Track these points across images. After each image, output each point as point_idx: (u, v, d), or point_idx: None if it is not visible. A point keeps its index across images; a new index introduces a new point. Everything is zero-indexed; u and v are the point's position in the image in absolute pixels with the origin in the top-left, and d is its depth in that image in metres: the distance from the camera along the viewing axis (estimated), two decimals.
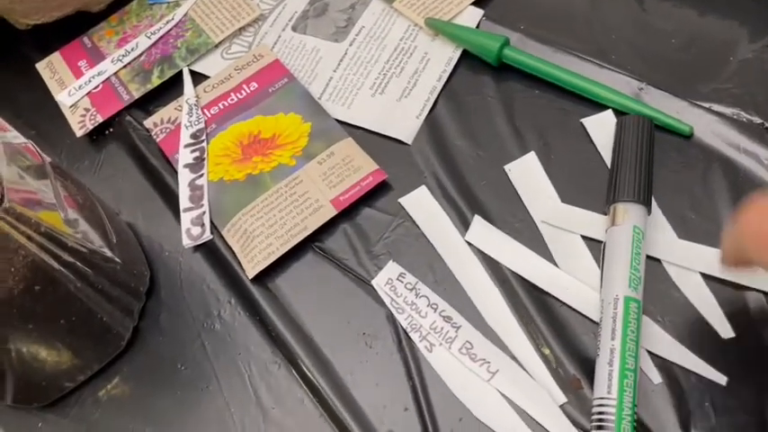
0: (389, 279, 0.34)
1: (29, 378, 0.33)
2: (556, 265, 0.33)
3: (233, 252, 0.36)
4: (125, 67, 0.44)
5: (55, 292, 0.29)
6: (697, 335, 0.31)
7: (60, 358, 0.33)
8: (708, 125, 0.35)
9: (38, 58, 0.47)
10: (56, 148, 0.43)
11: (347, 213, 0.37)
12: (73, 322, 0.31)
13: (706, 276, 0.32)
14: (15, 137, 0.31)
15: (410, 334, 0.33)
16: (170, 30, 0.46)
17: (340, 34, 0.43)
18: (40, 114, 0.45)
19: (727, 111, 0.35)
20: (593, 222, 0.34)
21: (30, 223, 0.27)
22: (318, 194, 0.37)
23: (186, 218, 0.38)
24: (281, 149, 0.39)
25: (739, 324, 0.30)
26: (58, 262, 0.29)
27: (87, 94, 0.44)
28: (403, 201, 0.36)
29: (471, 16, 0.41)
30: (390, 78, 0.41)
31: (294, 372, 0.33)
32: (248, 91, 0.42)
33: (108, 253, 0.33)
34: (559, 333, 0.31)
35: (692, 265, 0.32)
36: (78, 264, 0.30)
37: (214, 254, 0.37)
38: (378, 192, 0.37)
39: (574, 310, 0.32)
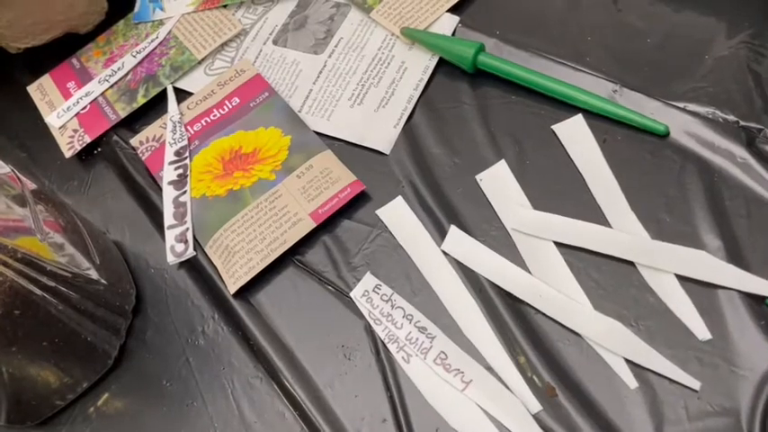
0: (366, 291, 0.35)
1: (20, 398, 0.34)
2: (529, 272, 0.33)
3: (216, 268, 0.37)
4: (112, 86, 0.45)
5: (35, 316, 0.30)
6: (672, 338, 0.30)
7: (49, 377, 0.34)
8: (683, 125, 0.35)
9: (29, 81, 0.48)
10: (46, 169, 0.44)
11: (326, 225, 0.37)
12: (56, 343, 0.32)
13: (681, 278, 0.31)
14: (1, 167, 0.32)
15: (388, 345, 0.33)
16: (155, 48, 0.46)
17: (319, 46, 0.44)
18: (31, 136, 0.46)
19: (703, 110, 0.35)
20: (565, 228, 0.33)
21: (6, 250, 0.28)
22: (297, 208, 0.37)
23: (170, 235, 0.38)
24: (261, 164, 0.39)
25: (715, 325, 0.30)
26: (38, 286, 0.30)
27: (75, 115, 0.45)
28: (380, 212, 0.37)
29: (447, 23, 0.42)
30: (368, 89, 0.41)
31: (275, 385, 0.34)
32: (230, 106, 0.42)
33: (92, 275, 0.34)
34: (534, 341, 0.31)
35: (666, 266, 0.32)
36: (60, 287, 0.31)
37: (198, 270, 0.38)
38: (357, 203, 0.37)
39: (548, 317, 0.32)
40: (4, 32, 0.47)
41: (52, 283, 0.31)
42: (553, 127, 0.36)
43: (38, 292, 0.30)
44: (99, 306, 0.34)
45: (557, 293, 0.32)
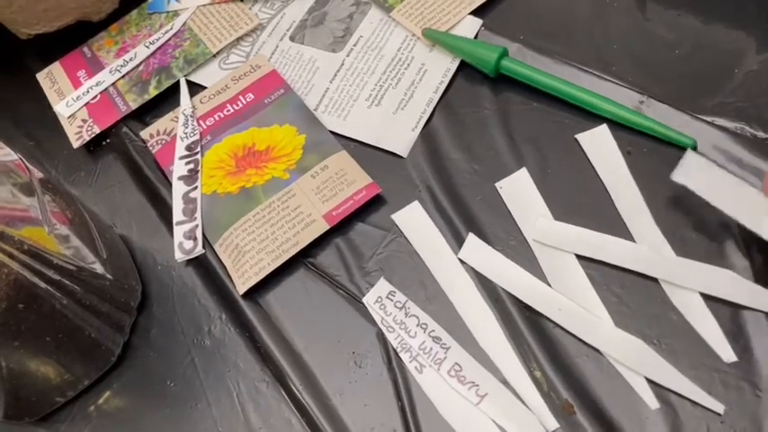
0: (379, 297, 0.34)
1: (19, 393, 0.33)
2: (549, 284, 0.32)
3: (225, 267, 0.36)
4: (123, 77, 0.44)
5: (39, 310, 0.29)
6: (696, 358, 0.30)
7: (50, 374, 0.33)
8: (710, 140, 0.34)
9: (39, 68, 0.47)
10: (53, 158, 0.43)
11: (340, 228, 0.36)
12: (60, 339, 0.31)
13: (706, 297, 0.31)
14: (7, 154, 0.31)
15: (400, 354, 0.32)
16: (168, 39, 0.46)
17: (337, 44, 0.43)
18: (39, 125, 0.45)
19: (731, 125, 0.34)
20: (587, 241, 0.33)
21: (12, 241, 0.27)
22: (311, 209, 0.36)
23: (179, 231, 0.37)
24: (274, 162, 0.38)
25: (741, 347, 0.29)
26: (43, 279, 0.29)
27: (85, 104, 0.44)
28: (395, 216, 0.36)
29: (470, 26, 0.41)
30: (387, 90, 0.40)
31: (282, 390, 0.33)
32: (244, 102, 0.42)
33: (98, 269, 0.33)
34: (552, 356, 0.31)
35: (691, 284, 0.31)
36: (65, 281, 0.30)
37: (206, 268, 0.37)
38: (372, 206, 0.37)
39: (567, 331, 0.31)
40: (15, 17, 0.46)
41: (57, 277, 0.30)
42: (577, 136, 0.36)
43: (43, 285, 0.29)
44: (104, 301, 0.33)
45: (577, 307, 0.31)
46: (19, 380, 0.32)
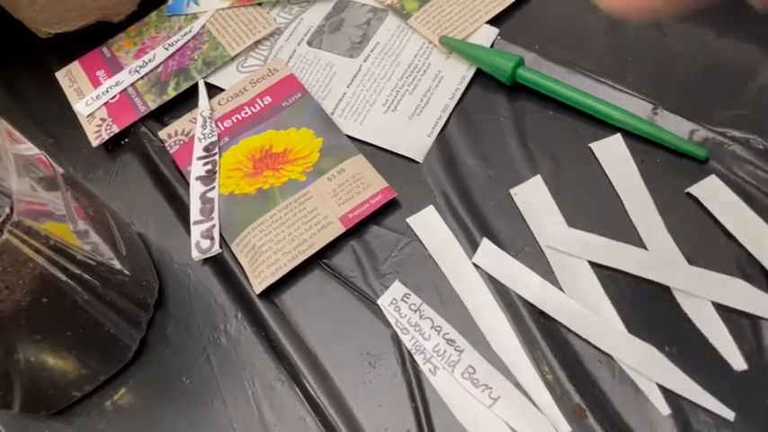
0: (394, 299, 0.34)
1: (36, 387, 0.33)
2: (562, 290, 0.33)
3: (241, 266, 0.37)
4: (142, 78, 0.45)
5: (62, 305, 0.30)
6: (706, 366, 0.30)
7: (67, 368, 0.33)
8: (723, 151, 0.34)
9: (58, 67, 0.47)
10: (71, 157, 0.44)
11: (355, 231, 0.37)
12: (80, 333, 0.31)
13: (718, 306, 0.31)
14: (29, 148, 0.32)
15: (414, 356, 0.32)
16: (187, 42, 0.46)
17: (355, 50, 0.43)
18: (57, 123, 0.46)
19: (744, 137, 0.35)
20: (600, 248, 0.33)
21: (39, 236, 0.28)
22: (327, 211, 0.37)
23: (196, 230, 0.38)
24: (292, 164, 0.39)
25: (752, 356, 0.30)
26: (66, 274, 0.29)
27: (104, 104, 0.44)
28: (410, 220, 0.36)
29: (486, 35, 0.41)
30: (403, 96, 0.41)
31: (297, 389, 0.33)
32: (262, 105, 0.42)
33: (117, 265, 0.33)
34: (565, 360, 0.31)
35: (703, 293, 0.31)
36: (86, 276, 0.31)
37: (222, 267, 0.37)
38: (387, 209, 0.37)
39: (579, 337, 0.31)
40: (36, 16, 0.47)
41: (79, 272, 0.30)
42: (591, 145, 0.36)
43: (66, 280, 0.29)
44: (122, 297, 0.33)
45: (589, 313, 0.32)
46: (37, 373, 0.32)
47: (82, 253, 0.31)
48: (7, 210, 0.26)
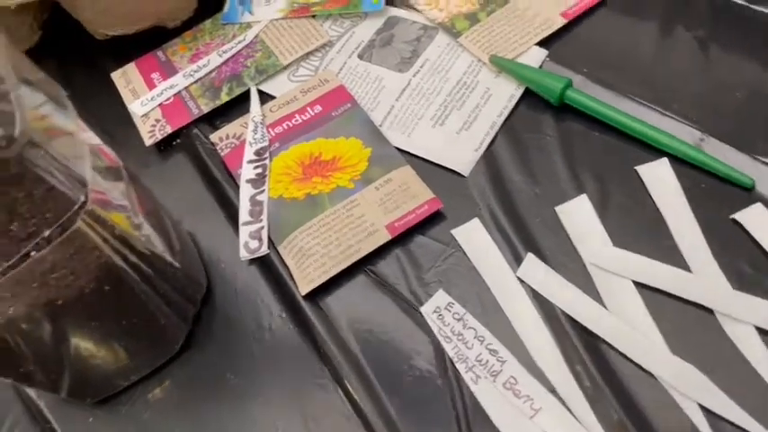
0: (438, 307, 0.35)
1: (85, 373, 0.34)
2: (605, 308, 0.33)
3: (287, 268, 0.37)
4: (196, 82, 0.46)
5: (121, 293, 0.31)
6: (748, 389, 0.30)
7: (117, 357, 0.34)
8: None
9: (113, 68, 0.49)
10: (123, 154, 0.44)
11: (401, 239, 0.37)
12: (134, 324, 0.32)
13: (761, 331, 0.31)
14: (92, 137, 0.33)
15: (456, 364, 0.33)
16: (241, 49, 0.48)
17: (404, 65, 0.44)
18: (110, 121, 0.47)
19: None
20: (645, 268, 0.34)
21: (106, 225, 0.29)
22: (374, 219, 0.38)
23: (245, 231, 0.39)
24: (340, 172, 0.40)
25: None
26: (127, 264, 0.30)
27: (159, 105, 0.46)
28: (455, 232, 0.37)
29: (535, 56, 0.42)
30: (451, 111, 0.42)
31: (340, 391, 0.34)
32: (312, 113, 0.43)
33: (169, 258, 0.34)
34: (607, 377, 0.31)
35: (746, 317, 0.32)
36: (144, 266, 0.32)
37: (269, 268, 0.38)
38: (432, 221, 0.38)
39: (622, 354, 0.32)
40: (97, 19, 0.48)
41: (139, 262, 0.31)
42: (637, 168, 0.37)
43: (127, 269, 0.30)
44: (174, 290, 0.34)
45: (633, 332, 0.32)
46: (87, 361, 0.33)
47: (142, 244, 0.32)
48: (82, 197, 0.27)
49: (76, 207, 0.27)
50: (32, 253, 0.26)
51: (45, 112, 0.29)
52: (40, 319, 0.29)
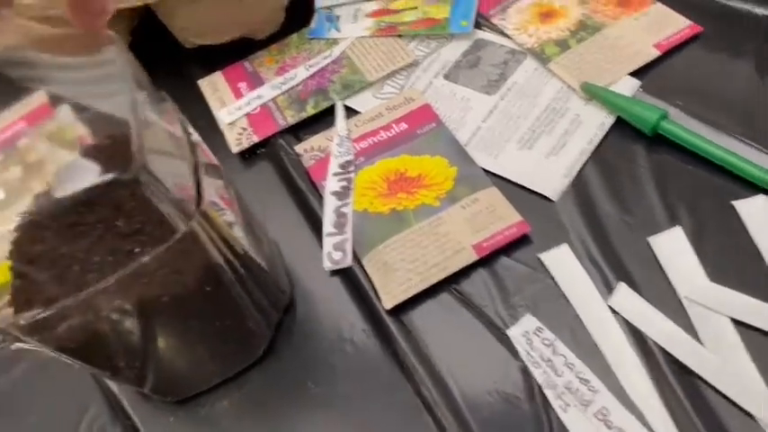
0: (526, 332, 0.34)
1: (170, 371, 0.34)
2: (701, 343, 0.32)
3: (370, 281, 0.37)
4: (282, 94, 0.47)
5: (219, 294, 0.31)
6: None
7: (204, 358, 0.34)
8: None
9: (199, 76, 0.50)
10: None
11: (486, 260, 0.37)
12: (226, 326, 0.33)
13: None
14: (195, 136, 0.34)
15: (545, 390, 0.32)
16: (327, 64, 0.48)
17: (491, 87, 0.45)
18: (195, 127, 0.47)
19: None
20: (744, 306, 0.33)
21: (213, 225, 0.29)
22: (460, 237, 0.38)
23: (329, 242, 0.39)
24: (426, 189, 0.40)
25: None
26: (228, 264, 0.31)
27: (246, 114, 0.46)
28: (544, 256, 0.37)
29: (627, 86, 0.42)
30: (540, 135, 0.41)
31: (423, 407, 0.33)
32: (397, 130, 0.44)
33: (261, 261, 0.35)
34: (704, 415, 0.30)
35: None
36: (240, 268, 0.32)
37: (351, 280, 0.38)
38: (518, 244, 0.38)
39: (720, 393, 0.31)
40: (189, 27, 0.50)
41: (237, 263, 0.31)
42: (734, 203, 0.36)
43: (227, 270, 0.31)
44: (264, 295, 0.34)
45: (731, 369, 0.31)
46: (174, 360, 0.33)
47: (239, 244, 0.32)
48: (196, 197, 0.27)
49: (193, 206, 0.27)
50: (137, 250, 0.27)
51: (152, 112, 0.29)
52: (138, 316, 0.30)
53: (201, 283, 0.30)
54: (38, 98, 0.31)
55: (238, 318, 0.33)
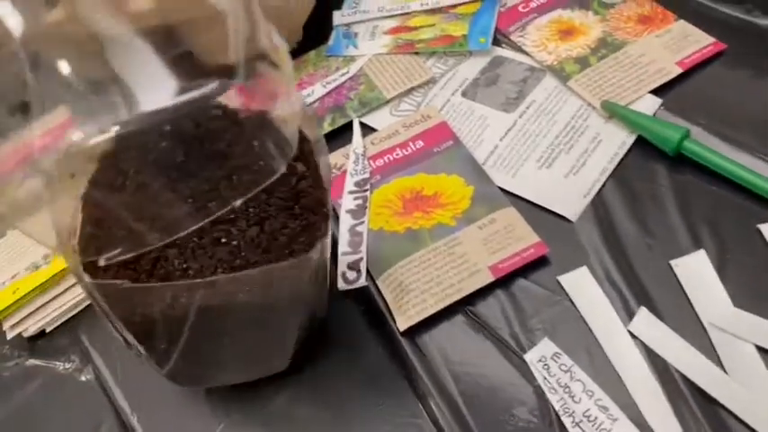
0: (543, 356, 0.33)
1: (195, 364, 0.33)
2: (725, 371, 0.31)
3: (385, 301, 0.37)
4: None
5: (280, 304, 0.31)
6: None
7: (232, 361, 0.34)
8: None
9: None
10: None
11: (503, 282, 0.36)
12: (269, 333, 0.32)
13: None
14: None
15: (561, 417, 0.32)
16: (344, 82, 0.48)
17: (510, 105, 0.44)
18: None
19: None
20: None
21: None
22: (477, 258, 0.37)
23: (343, 261, 0.39)
24: (442, 209, 0.40)
25: None
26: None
27: None
28: (563, 279, 0.36)
29: (649, 104, 0.41)
30: (559, 154, 0.41)
31: (435, 430, 0.33)
32: (414, 148, 0.43)
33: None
34: None
35: None
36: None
37: (366, 300, 0.38)
38: (536, 265, 0.37)
39: (745, 424, 0.30)
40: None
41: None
42: (760, 226, 0.35)
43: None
44: (307, 312, 0.34)
45: (756, 399, 0.30)
46: (205, 355, 0.33)
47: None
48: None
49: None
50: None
51: None
52: (208, 312, 0.29)
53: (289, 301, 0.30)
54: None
55: (281, 328, 0.32)
